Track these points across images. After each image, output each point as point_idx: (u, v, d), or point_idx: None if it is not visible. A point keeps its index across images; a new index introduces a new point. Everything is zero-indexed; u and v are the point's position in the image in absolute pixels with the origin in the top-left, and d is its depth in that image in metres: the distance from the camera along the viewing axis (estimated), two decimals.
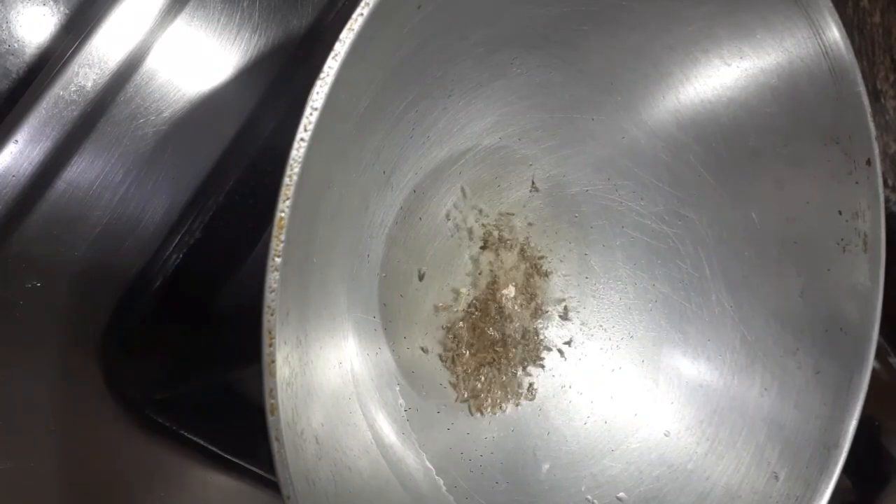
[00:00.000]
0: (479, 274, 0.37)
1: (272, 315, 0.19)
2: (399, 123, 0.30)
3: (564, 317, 0.39)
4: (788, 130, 0.32)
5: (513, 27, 0.29)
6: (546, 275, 0.39)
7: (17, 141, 0.25)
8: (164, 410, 0.32)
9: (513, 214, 0.38)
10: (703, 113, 0.34)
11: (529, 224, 0.38)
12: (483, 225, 0.37)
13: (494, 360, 0.36)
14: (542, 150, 0.37)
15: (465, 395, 0.35)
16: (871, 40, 0.44)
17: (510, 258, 0.37)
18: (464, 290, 0.36)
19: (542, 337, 0.38)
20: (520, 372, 0.37)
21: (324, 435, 0.24)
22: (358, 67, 0.21)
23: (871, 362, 0.31)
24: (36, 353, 0.27)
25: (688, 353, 0.37)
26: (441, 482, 0.32)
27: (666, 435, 0.35)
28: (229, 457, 0.33)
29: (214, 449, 0.33)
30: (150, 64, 0.27)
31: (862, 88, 0.30)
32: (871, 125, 0.31)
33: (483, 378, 0.36)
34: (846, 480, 0.45)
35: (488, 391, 0.36)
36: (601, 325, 0.39)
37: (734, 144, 0.34)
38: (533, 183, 0.37)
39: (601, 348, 0.39)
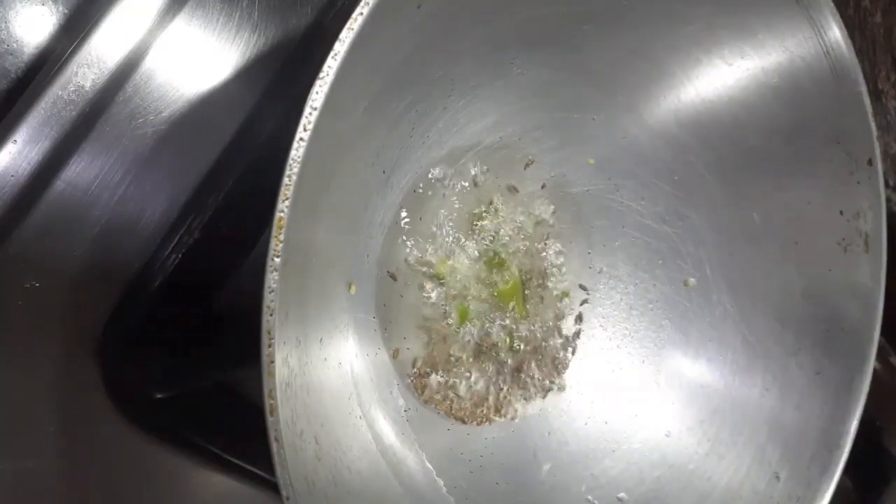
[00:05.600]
0: (478, 274, 0.36)
1: (271, 315, 0.19)
2: (399, 123, 0.30)
3: (564, 317, 0.39)
4: (789, 130, 0.32)
5: (513, 27, 0.29)
6: (546, 274, 0.38)
7: (15, 141, 0.25)
8: (163, 410, 0.32)
9: (513, 215, 0.37)
10: (705, 112, 0.34)
11: (529, 224, 0.38)
12: (482, 226, 0.37)
13: (492, 365, 0.36)
14: (543, 150, 0.37)
15: (464, 405, 0.35)
16: (872, 40, 0.44)
17: (510, 258, 0.37)
18: (462, 291, 0.36)
19: (542, 339, 0.38)
20: (522, 377, 0.37)
21: (323, 435, 0.24)
22: (358, 67, 0.21)
23: (872, 363, 0.31)
24: (35, 353, 0.27)
25: (689, 354, 0.37)
26: (441, 483, 0.32)
27: (667, 435, 0.35)
28: (229, 457, 0.33)
29: (214, 449, 0.33)
30: (149, 64, 0.27)
31: (863, 88, 0.30)
32: (873, 125, 0.31)
33: (481, 385, 0.36)
34: (847, 481, 0.45)
35: (487, 400, 0.36)
36: (601, 325, 0.39)
37: (735, 144, 0.34)
38: (530, 166, 0.37)
39: (602, 348, 0.39)
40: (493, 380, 0.36)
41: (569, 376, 0.38)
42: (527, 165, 0.37)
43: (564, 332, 0.39)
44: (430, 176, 0.34)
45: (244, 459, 0.33)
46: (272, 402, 0.19)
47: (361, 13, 0.20)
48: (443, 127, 0.32)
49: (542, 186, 0.38)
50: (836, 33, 0.30)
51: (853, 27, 0.44)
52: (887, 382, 0.44)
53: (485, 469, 0.34)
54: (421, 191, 0.34)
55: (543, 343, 0.38)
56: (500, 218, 0.37)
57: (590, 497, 0.34)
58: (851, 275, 0.32)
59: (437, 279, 0.35)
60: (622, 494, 0.34)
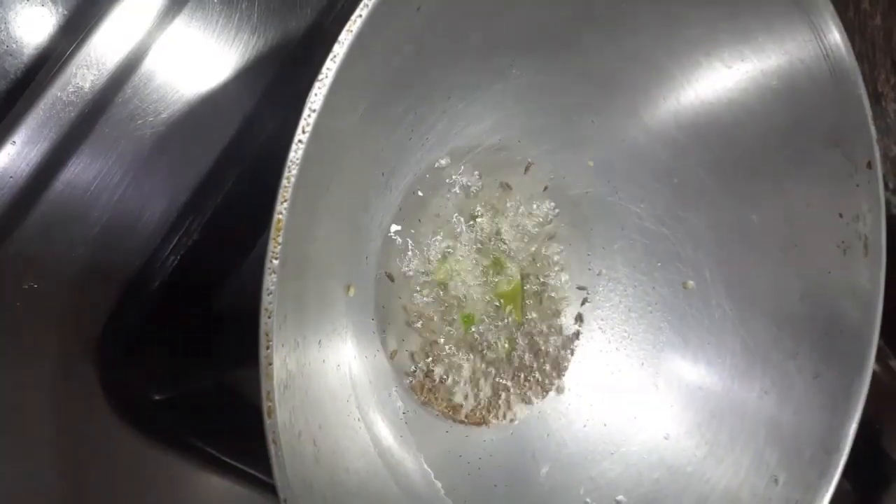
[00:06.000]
0: (478, 276, 0.36)
1: (269, 317, 0.19)
2: (398, 125, 0.30)
3: (563, 319, 0.39)
4: (789, 133, 0.32)
5: (512, 30, 0.29)
6: (545, 277, 0.38)
7: (14, 142, 0.25)
8: (162, 412, 0.32)
9: (512, 217, 0.37)
10: (704, 115, 0.34)
11: (529, 226, 0.38)
12: (482, 228, 0.37)
13: (491, 367, 0.36)
14: (543, 153, 0.37)
15: (462, 407, 0.35)
16: (872, 43, 0.44)
17: (509, 261, 0.37)
18: (462, 293, 0.36)
19: (541, 341, 0.38)
20: (521, 379, 0.37)
21: (322, 437, 0.24)
22: (356, 69, 0.21)
23: (871, 366, 0.31)
24: (33, 354, 0.26)
25: (687, 356, 0.37)
26: (439, 485, 0.32)
27: (665, 438, 0.35)
28: (227, 459, 0.33)
29: (212, 451, 0.32)
30: (149, 65, 0.27)
31: (863, 91, 0.30)
32: (872, 128, 0.31)
33: (480, 387, 0.36)
34: (846, 483, 0.45)
35: (485, 401, 0.36)
36: (600, 328, 0.39)
37: (735, 146, 0.34)
38: (530, 168, 0.37)
39: (601, 350, 0.39)
40: (492, 381, 0.36)
41: (567, 378, 0.38)
42: (527, 168, 0.37)
43: (563, 334, 0.39)
44: (429, 178, 0.34)
45: (243, 461, 0.33)
46: (270, 404, 0.19)
47: (360, 15, 0.20)
48: (442, 129, 0.32)
49: (545, 189, 0.38)
50: (835, 36, 0.30)
51: (853, 30, 0.44)
52: (886, 385, 0.44)
53: (483, 471, 0.34)
54: (420, 193, 0.34)
55: (542, 345, 0.38)
56: (499, 220, 0.37)
57: (588, 499, 0.34)
58: (851, 277, 0.32)
59: (437, 281, 0.35)
60: (621, 497, 0.34)
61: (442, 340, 0.35)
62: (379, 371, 0.32)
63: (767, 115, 0.32)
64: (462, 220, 0.36)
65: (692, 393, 0.36)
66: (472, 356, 0.36)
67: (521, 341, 0.37)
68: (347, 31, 0.20)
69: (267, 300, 0.19)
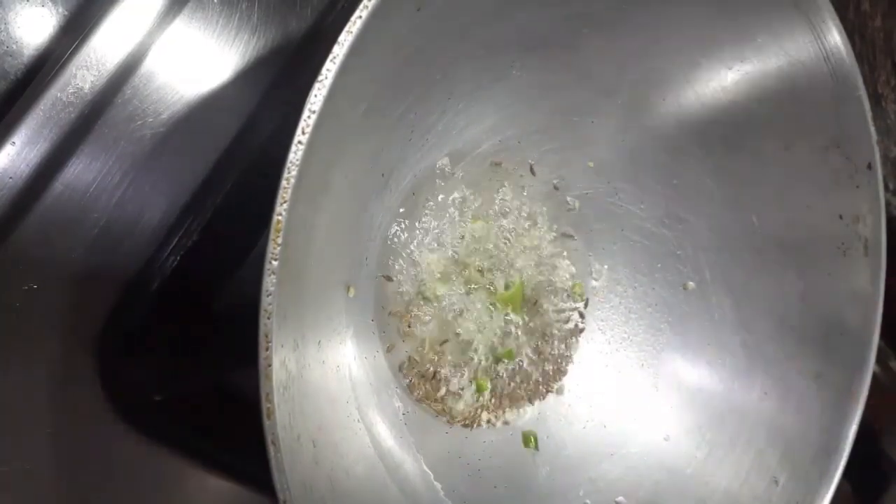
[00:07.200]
0: (478, 278, 0.36)
1: (269, 318, 0.19)
2: (398, 126, 0.30)
3: (563, 320, 0.39)
4: (789, 134, 0.32)
5: (512, 30, 0.29)
6: (545, 279, 0.38)
7: (14, 143, 0.25)
8: (161, 412, 0.32)
9: (512, 217, 0.37)
10: (704, 116, 0.34)
11: (528, 227, 0.38)
12: (482, 229, 0.37)
13: (491, 368, 0.36)
14: (542, 153, 0.37)
15: (461, 408, 0.35)
16: (872, 44, 0.44)
17: (509, 263, 0.37)
18: (462, 295, 0.36)
19: (540, 342, 0.38)
20: (520, 381, 0.37)
21: (321, 439, 0.24)
22: (356, 70, 0.21)
23: (871, 367, 0.31)
24: (33, 354, 0.26)
25: (688, 357, 0.37)
26: (439, 486, 0.32)
27: (665, 439, 0.35)
28: (227, 460, 0.33)
29: (212, 451, 0.32)
30: (149, 66, 0.27)
31: (863, 92, 0.30)
32: (872, 129, 0.31)
33: (480, 390, 0.36)
34: (846, 485, 0.45)
35: (484, 403, 0.36)
36: (600, 329, 0.39)
37: (734, 147, 0.34)
38: (531, 168, 0.37)
39: (600, 351, 0.39)
40: (492, 383, 0.36)
41: (567, 380, 0.38)
42: (529, 169, 0.37)
43: (563, 335, 0.39)
44: (429, 179, 0.34)
45: (242, 462, 0.33)
46: (269, 405, 0.19)
47: (360, 16, 0.20)
48: (442, 130, 0.32)
49: (555, 188, 0.38)
50: (835, 37, 0.30)
51: (853, 31, 0.44)
52: (887, 386, 0.44)
53: (483, 473, 0.34)
54: (420, 194, 0.34)
55: (542, 346, 0.38)
56: (499, 221, 0.37)
57: (588, 501, 0.34)
58: (851, 278, 0.32)
59: (437, 282, 0.35)
60: (620, 498, 0.34)
61: (442, 341, 0.35)
62: (379, 372, 0.32)
63: (767, 116, 0.32)
64: (462, 220, 0.36)
65: (692, 394, 0.36)
66: (472, 357, 0.36)
67: (521, 343, 0.37)
68: (347, 32, 0.20)
69: (266, 301, 0.19)
